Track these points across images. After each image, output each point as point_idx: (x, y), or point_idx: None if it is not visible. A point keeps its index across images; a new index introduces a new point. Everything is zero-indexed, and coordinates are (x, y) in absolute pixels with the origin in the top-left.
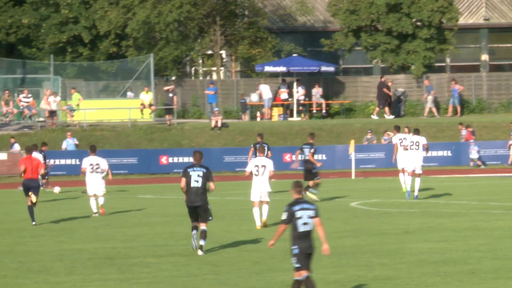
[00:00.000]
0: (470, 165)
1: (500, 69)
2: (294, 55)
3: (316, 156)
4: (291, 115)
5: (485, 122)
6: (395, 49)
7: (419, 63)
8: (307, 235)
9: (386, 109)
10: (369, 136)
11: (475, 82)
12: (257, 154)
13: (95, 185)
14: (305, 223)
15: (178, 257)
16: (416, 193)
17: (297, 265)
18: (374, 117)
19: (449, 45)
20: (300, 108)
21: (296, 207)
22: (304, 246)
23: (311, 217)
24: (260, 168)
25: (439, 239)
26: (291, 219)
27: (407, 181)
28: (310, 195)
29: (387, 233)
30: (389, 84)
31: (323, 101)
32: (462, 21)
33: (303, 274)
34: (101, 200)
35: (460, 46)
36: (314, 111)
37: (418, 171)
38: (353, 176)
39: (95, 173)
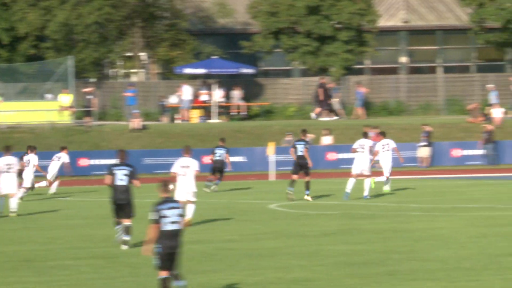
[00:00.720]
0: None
1: (419, 71)
2: (214, 57)
3: (239, 158)
4: (211, 117)
5: (404, 124)
6: (314, 51)
7: (339, 65)
8: (175, 234)
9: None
10: (288, 138)
11: (394, 84)
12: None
13: (8, 184)
14: (173, 222)
15: (97, 260)
16: (366, 193)
17: (159, 264)
18: (313, 116)
19: (368, 47)
20: (220, 110)
21: (164, 206)
22: (169, 245)
23: (179, 216)
24: (184, 168)
25: (357, 241)
26: (160, 218)
27: (349, 183)
28: (306, 198)
29: (306, 235)
30: (330, 85)
31: (242, 103)
32: (381, 23)
33: (163, 274)
34: (14, 201)
35: (379, 49)
36: (234, 113)
37: (366, 172)
38: (272, 178)
39: (8, 173)
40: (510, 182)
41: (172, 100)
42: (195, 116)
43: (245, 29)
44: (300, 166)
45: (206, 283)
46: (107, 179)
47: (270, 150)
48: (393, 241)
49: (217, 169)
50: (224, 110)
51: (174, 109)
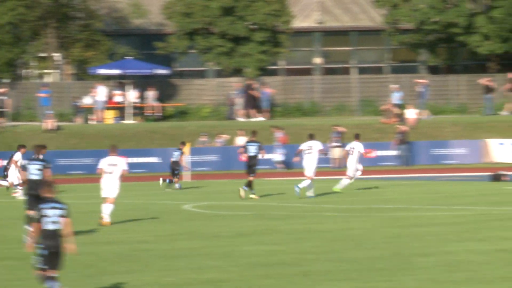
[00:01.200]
0: (277, 167)
1: (333, 72)
2: (129, 57)
3: (154, 159)
4: (125, 118)
5: (318, 125)
6: (229, 52)
7: (253, 66)
8: (55, 234)
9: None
10: (203, 138)
11: (308, 85)
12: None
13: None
14: (54, 222)
15: (11, 261)
16: (310, 193)
17: (42, 266)
18: (240, 119)
19: (283, 48)
20: (134, 111)
21: (46, 205)
22: (50, 245)
23: (60, 216)
24: (111, 166)
25: (272, 241)
26: (41, 218)
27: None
28: (251, 195)
29: (220, 236)
30: (255, 86)
31: (157, 104)
32: (296, 24)
33: (49, 273)
34: None
35: (294, 49)
36: (149, 114)
37: (309, 174)
38: (187, 179)
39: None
40: (423, 183)
41: (86, 101)
42: (110, 117)
43: (160, 30)
44: (249, 166)
45: (120, 284)
46: (22, 174)
47: (185, 150)
48: (307, 242)
49: (250, 166)
50: (139, 111)
51: (88, 110)
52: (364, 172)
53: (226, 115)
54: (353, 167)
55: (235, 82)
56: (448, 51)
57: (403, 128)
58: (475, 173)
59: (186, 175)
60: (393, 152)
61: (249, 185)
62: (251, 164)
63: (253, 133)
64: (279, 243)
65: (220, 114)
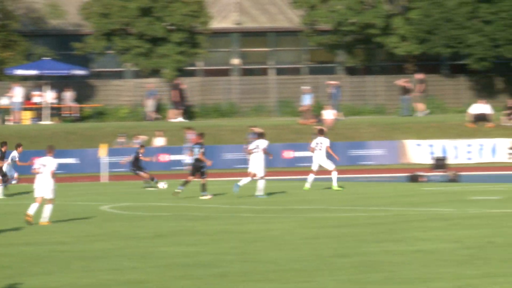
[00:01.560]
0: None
1: (252, 73)
2: (46, 58)
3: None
4: (43, 119)
5: (235, 126)
6: (147, 53)
7: (171, 67)
8: None
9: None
10: (121, 139)
11: (226, 86)
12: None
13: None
14: None
15: None
16: (260, 192)
17: None
18: (173, 120)
19: (201, 49)
20: (52, 111)
21: None
22: None
23: None
24: (42, 167)
25: (190, 242)
26: None
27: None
28: (203, 197)
29: (138, 237)
30: (183, 86)
31: (75, 105)
32: (214, 25)
33: None
34: None
35: (212, 50)
36: (66, 115)
37: (259, 173)
38: (104, 180)
39: None
40: (341, 184)
41: (3, 101)
42: (27, 117)
43: (77, 31)
44: (195, 168)
45: (38, 286)
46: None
47: (102, 151)
48: (225, 243)
49: (196, 167)
50: (56, 111)
51: (6, 111)
52: (281, 173)
53: (143, 116)
54: (325, 162)
55: (152, 83)
56: (365, 52)
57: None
58: (392, 174)
59: (104, 176)
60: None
61: (203, 188)
62: (198, 166)
63: (200, 135)
64: (197, 244)
65: (138, 115)
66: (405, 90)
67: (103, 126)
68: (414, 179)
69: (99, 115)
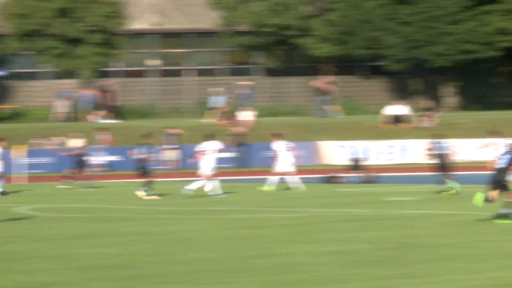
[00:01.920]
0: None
1: (170, 74)
2: None
3: None
4: None
5: (157, 127)
6: (65, 53)
7: (90, 68)
8: None
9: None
10: (38, 141)
11: (146, 87)
12: None
13: None
14: None
15: None
16: (218, 192)
17: None
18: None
19: (119, 50)
20: None
21: None
22: None
23: None
24: None
25: (108, 244)
26: None
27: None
28: (138, 193)
29: (54, 239)
30: (111, 87)
31: None
32: (132, 26)
33: None
34: None
35: (131, 51)
36: None
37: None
38: (22, 181)
39: None
40: (259, 185)
41: None
42: None
43: None
44: (141, 168)
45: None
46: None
47: (17, 153)
48: (142, 244)
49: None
50: None
51: None
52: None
53: (59, 117)
54: (212, 166)
55: (64, 84)
56: (284, 54)
57: (238, 130)
58: (309, 175)
59: (19, 178)
60: (229, 154)
61: (147, 185)
62: (143, 166)
63: (146, 136)
64: (114, 245)
65: (56, 116)
66: (321, 92)
67: (20, 127)
68: (331, 180)
69: (17, 116)
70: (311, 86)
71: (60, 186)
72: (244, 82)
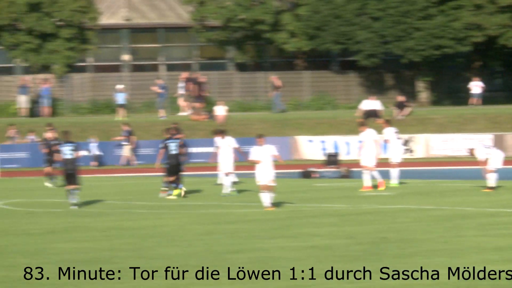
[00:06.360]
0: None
1: (142, 69)
2: None
3: None
4: None
5: (130, 122)
6: (36, 48)
7: (61, 62)
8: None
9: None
10: (12, 135)
11: (117, 82)
12: None
13: None
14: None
15: None
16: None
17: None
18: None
19: (90, 45)
20: None
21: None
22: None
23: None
24: None
25: (84, 238)
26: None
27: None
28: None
29: (31, 233)
30: (201, 79)
31: None
32: (103, 21)
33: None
34: None
35: (102, 46)
36: None
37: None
38: None
39: None
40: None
41: None
42: None
43: None
44: (174, 166)
45: None
46: (57, 156)
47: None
48: (119, 239)
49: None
50: None
51: None
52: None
53: (34, 111)
54: (230, 162)
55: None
56: (255, 48)
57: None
58: (285, 170)
59: None
60: (203, 149)
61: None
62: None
63: (173, 130)
64: (91, 240)
65: (30, 110)
66: (275, 87)
67: None
68: (306, 175)
69: None
70: (284, 81)
71: (47, 184)
72: (158, 80)
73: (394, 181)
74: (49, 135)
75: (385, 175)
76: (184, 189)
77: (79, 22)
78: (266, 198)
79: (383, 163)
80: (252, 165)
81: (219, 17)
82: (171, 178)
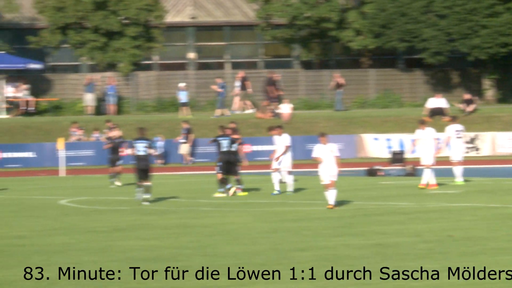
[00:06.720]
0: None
1: (207, 67)
2: (1, 52)
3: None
4: None
5: (194, 120)
6: (102, 46)
7: (127, 61)
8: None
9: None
10: (78, 133)
11: (183, 80)
12: None
13: None
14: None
15: None
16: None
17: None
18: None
19: (156, 43)
20: (8, 105)
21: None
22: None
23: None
24: None
25: (149, 236)
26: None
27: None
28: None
29: (97, 231)
30: (276, 78)
31: (31, 99)
32: (169, 19)
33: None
34: None
35: (167, 44)
36: (22, 109)
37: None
38: (62, 174)
39: None
40: (298, 178)
41: None
42: None
43: (32, 24)
44: (231, 163)
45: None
46: (130, 150)
47: (61, 145)
48: (184, 237)
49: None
50: (13, 105)
51: None
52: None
53: (100, 109)
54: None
55: (109, 77)
56: (321, 46)
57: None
58: (350, 168)
59: (62, 170)
60: (268, 147)
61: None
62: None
63: (226, 128)
64: (156, 238)
65: (95, 108)
66: (338, 85)
67: (59, 120)
68: (372, 173)
69: (55, 109)
70: (350, 79)
71: (113, 183)
72: (218, 78)
73: (459, 179)
74: (113, 133)
75: (449, 173)
76: (234, 189)
77: (145, 20)
78: (330, 196)
79: (445, 161)
80: (315, 163)
81: (285, 15)
82: (224, 176)
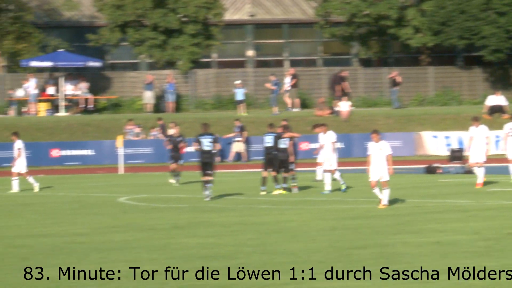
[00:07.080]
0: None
1: (266, 64)
2: (61, 50)
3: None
4: (58, 111)
5: (252, 118)
6: (161, 44)
7: (186, 58)
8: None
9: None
10: (137, 131)
11: (241, 77)
12: None
13: None
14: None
15: None
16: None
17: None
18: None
19: (215, 40)
20: (67, 103)
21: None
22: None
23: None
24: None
25: (208, 234)
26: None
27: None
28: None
29: (156, 228)
30: (344, 75)
31: (90, 96)
32: (227, 17)
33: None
34: None
35: (226, 42)
36: (81, 106)
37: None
38: (121, 171)
39: None
40: (358, 176)
41: (19, 93)
42: (43, 109)
43: (92, 22)
44: (279, 160)
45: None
46: (195, 145)
47: (120, 142)
48: (242, 235)
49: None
50: (71, 103)
51: (21, 102)
52: (297, 164)
53: (159, 107)
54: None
55: (168, 75)
56: (380, 44)
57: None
58: (409, 165)
59: (120, 168)
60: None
61: (285, 180)
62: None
63: (274, 125)
64: (215, 235)
65: (154, 106)
66: (394, 83)
67: (118, 117)
68: (430, 170)
69: (114, 106)
70: (409, 77)
71: (171, 180)
72: (272, 76)
73: None
74: (173, 131)
75: (505, 171)
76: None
77: (203, 18)
78: (383, 196)
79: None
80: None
81: (344, 13)
82: (272, 173)
